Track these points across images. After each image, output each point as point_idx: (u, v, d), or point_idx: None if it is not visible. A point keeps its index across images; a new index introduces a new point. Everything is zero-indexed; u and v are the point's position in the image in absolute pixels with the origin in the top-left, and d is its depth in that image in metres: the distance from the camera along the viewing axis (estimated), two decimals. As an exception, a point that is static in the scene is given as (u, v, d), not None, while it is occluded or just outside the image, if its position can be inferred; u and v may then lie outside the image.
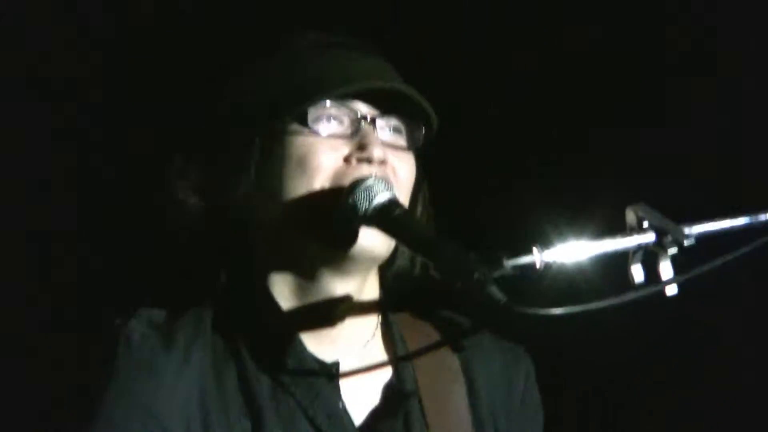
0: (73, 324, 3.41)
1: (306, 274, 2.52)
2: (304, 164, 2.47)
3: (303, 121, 2.48)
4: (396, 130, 2.54)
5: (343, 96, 2.49)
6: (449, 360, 2.64)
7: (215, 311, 2.54)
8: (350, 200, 2.43)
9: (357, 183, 2.44)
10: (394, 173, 2.51)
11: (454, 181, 3.26)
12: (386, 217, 2.40)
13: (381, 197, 2.42)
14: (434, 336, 2.65)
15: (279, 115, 2.49)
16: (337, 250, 2.47)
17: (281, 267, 2.54)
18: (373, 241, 2.47)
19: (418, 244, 2.37)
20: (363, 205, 2.42)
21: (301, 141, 2.48)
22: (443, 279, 2.29)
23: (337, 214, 2.44)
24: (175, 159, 2.59)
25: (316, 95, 2.47)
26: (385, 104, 2.52)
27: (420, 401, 2.56)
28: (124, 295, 2.57)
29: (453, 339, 2.65)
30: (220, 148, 2.55)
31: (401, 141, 2.55)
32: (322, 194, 2.46)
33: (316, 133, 2.48)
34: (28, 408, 3.46)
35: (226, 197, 2.54)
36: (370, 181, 2.44)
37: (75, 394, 2.46)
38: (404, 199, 2.51)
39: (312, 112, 2.48)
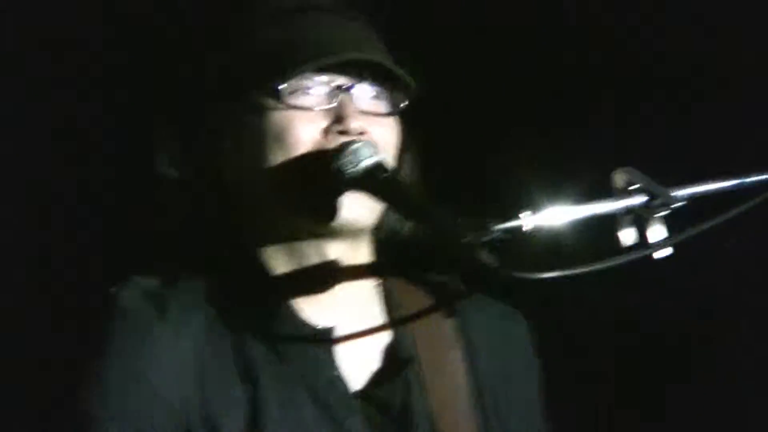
0: (67, 297, 3.43)
1: (293, 243, 2.52)
2: (281, 139, 2.45)
3: (278, 95, 2.46)
4: (375, 96, 2.52)
5: (317, 68, 2.47)
6: (446, 325, 2.63)
7: (207, 279, 2.54)
8: (336, 164, 2.42)
9: (343, 147, 2.43)
10: (374, 142, 2.47)
11: (444, 145, 3.27)
12: (373, 180, 2.40)
13: (368, 161, 2.41)
14: (430, 301, 2.65)
15: (253, 89, 2.47)
16: (320, 223, 2.47)
17: (269, 236, 2.53)
18: (357, 212, 2.46)
19: (406, 209, 2.36)
20: (349, 169, 2.41)
21: (277, 115, 2.46)
22: (432, 243, 2.30)
23: (321, 179, 2.43)
24: (154, 130, 2.59)
25: (290, 69, 2.44)
26: (362, 71, 2.50)
27: (418, 366, 2.56)
28: (116, 267, 2.56)
29: (449, 303, 2.65)
30: (197, 120, 2.55)
31: (381, 107, 2.52)
32: (302, 168, 2.45)
33: (292, 106, 2.46)
34: (27, 379, 3.49)
35: (205, 171, 2.53)
36: (356, 145, 2.42)
37: (70, 364, 2.47)
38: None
39: (287, 86, 2.46)
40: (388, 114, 2.53)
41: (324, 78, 2.48)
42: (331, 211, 2.45)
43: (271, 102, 2.47)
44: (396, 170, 2.49)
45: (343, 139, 2.45)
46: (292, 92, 2.46)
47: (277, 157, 2.46)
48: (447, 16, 3.58)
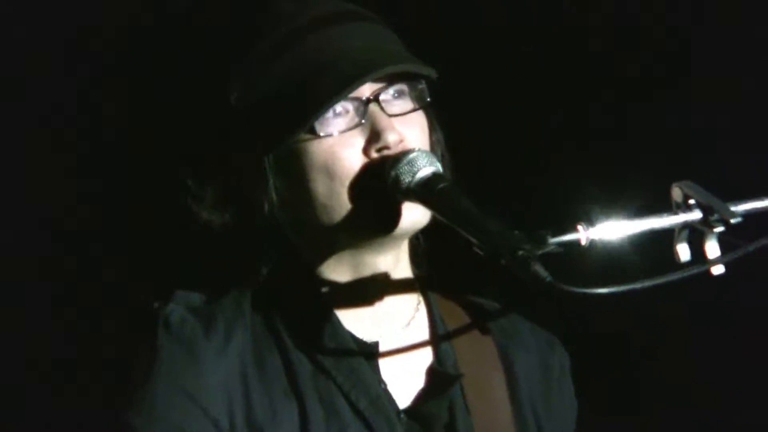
0: (116, 314, 3.43)
1: (345, 258, 2.51)
2: (328, 172, 2.43)
3: (311, 129, 2.43)
4: (400, 93, 2.49)
5: (347, 96, 2.43)
6: (487, 345, 2.62)
7: (253, 294, 2.53)
8: (393, 174, 2.40)
9: (401, 156, 2.41)
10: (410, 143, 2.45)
11: (498, 157, 3.26)
12: (430, 191, 2.37)
13: (425, 171, 2.39)
14: (469, 320, 2.64)
15: (286, 133, 2.44)
16: (381, 234, 2.45)
17: (319, 254, 2.52)
18: (416, 216, 2.44)
19: (462, 220, 2.33)
20: (406, 179, 2.39)
21: (315, 148, 2.43)
22: (486, 256, 2.26)
23: (377, 194, 2.41)
24: (185, 180, 2.55)
25: (321, 107, 2.41)
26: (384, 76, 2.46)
27: (461, 386, 2.54)
28: (160, 286, 2.55)
29: (490, 324, 2.64)
30: (232, 169, 2.52)
31: (408, 104, 2.49)
32: (356, 190, 2.43)
33: (328, 135, 2.43)
34: (73, 392, 3.49)
35: (249, 214, 2.51)
36: (413, 155, 2.41)
37: (116, 379, 2.46)
38: None
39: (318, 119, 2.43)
40: (416, 108, 2.50)
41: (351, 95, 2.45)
42: (392, 221, 2.43)
43: (305, 136, 2.44)
44: (452, 180, 2.46)
45: (386, 153, 2.43)
46: (323, 121, 2.43)
47: (327, 189, 2.44)
48: (495, 17, 3.55)
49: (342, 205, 2.43)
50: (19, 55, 3.52)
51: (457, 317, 2.63)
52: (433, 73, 2.50)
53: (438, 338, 2.58)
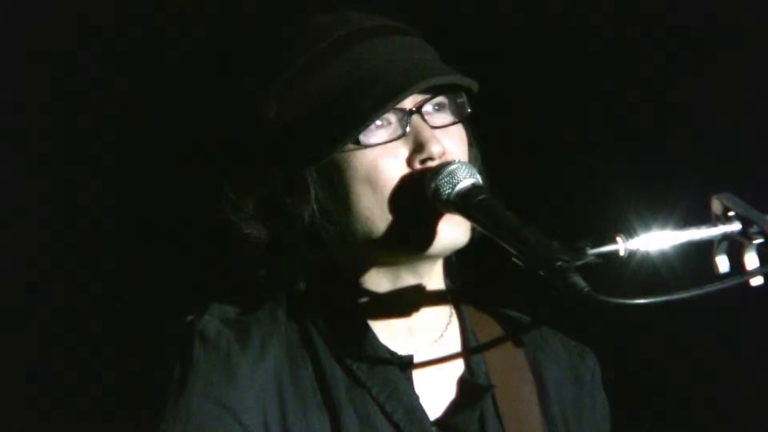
0: (150, 328, 3.45)
1: (383, 271, 2.52)
2: (371, 182, 2.44)
3: (355, 140, 2.45)
4: (441, 106, 2.50)
5: (390, 109, 2.44)
6: (518, 357, 2.63)
7: (288, 306, 2.54)
8: (433, 185, 2.41)
9: (441, 168, 2.42)
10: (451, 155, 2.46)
11: (538, 168, 3.25)
12: (470, 202, 2.38)
13: (465, 183, 2.40)
14: (500, 332, 2.64)
15: (331, 145, 2.45)
16: (420, 251, 2.46)
17: (358, 266, 2.54)
18: (453, 235, 2.45)
19: (502, 230, 2.34)
20: (446, 191, 2.40)
21: (359, 159, 2.45)
22: (525, 266, 2.27)
23: (417, 205, 2.42)
24: (224, 191, 2.56)
25: (367, 119, 2.42)
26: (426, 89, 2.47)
27: (492, 397, 2.55)
28: (195, 300, 2.57)
29: (521, 336, 2.64)
30: (274, 181, 2.52)
31: (448, 117, 2.51)
32: (398, 201, 2.44)
33: (371, 145, 2.45)
34: (108, 403, 3.52)
35: (289, 227, 2.52)
36: (453, 166, 2.42)
37: (153, 391, 2.47)
38: None
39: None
40: (456, 121, 2.51)
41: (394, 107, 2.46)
42: (430, 238, 2.44)
43: (349, 147, 2.45)
44: (492, 192, 2.46)
45: (430, 164, 2.44)
46: (367, 132, 2.45)
47: (371, 201, 2.45)
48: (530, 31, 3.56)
49: (383, 217, 2.44)
50: (19, 54, 3.55)
51: (489, 329, 2.64)
52: (475, 86, 2.52)
53: (469, 350, 2.59)
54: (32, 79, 3.55)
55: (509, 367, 2.60)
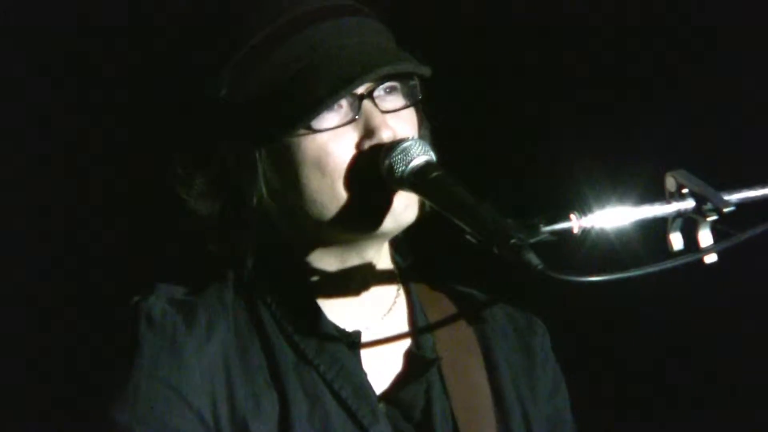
0: (94, 308, 3.42)
1: (332, 250, 2.52)
2: (320, 166, 2.42)
3: (309, 126, 2.43)
4: (392, 89, 2.49)
5: (345, 94, 2.42)
6: (466, 332, 2.63)
7: (235, 285, 2.53)
8: (387, 162, 2.40)
9: (394, 145, 2.41)
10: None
11: (491, 145, 3.24)
12: (423, 179, 2.38)
13: (419, 159, 2.39)
14: (451, 308, 2.65)
15: (280, 128, 2.43)
16: (370, 230, 2.45)
17: (307, 245, 2.53)
18: (404, 214, 2.45)
19: (456, 208, 2.33)
20: (400, 168, 2.39)
21: (309, 143, 2.43)
22: (479, 244, 2.27)
23: (369, 184, 2.41)
24: (174, 165, 2.54)
25: (318, 106, 2.40)
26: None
27: (440, 370, 2.56)
28: (139, 277, 2.54)
29: (469, 311, 2.65)
30: (222, 159, 2.50)
31: (400, 100, 2.50)
32: (348, 183, 2.43)
33: (320, 130, 2.43)
34: (53, 387, 3.48)
35: (238, 205, 2.50)
36: (407, 144, 2.41)
37: (97, 372, 2.45)
38: None
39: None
40: (408, 105, 2.50)
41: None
42: (381, 216, 2.43)
43: (299, 131, 2.43)
44: (445, 169, 2.45)
45: (378, 148, 2.42)
46: (318, 117, 2.43)
47: (320, 184, 2.43)
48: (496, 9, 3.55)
49: (333, 199, 2.43)
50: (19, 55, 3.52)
51: (438, 305, 2.65)
52: (427, 72, 2.50)
53: (417, 325, 2.59)
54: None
55: (457, 341, 2.61)
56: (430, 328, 2.60)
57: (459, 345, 2.60)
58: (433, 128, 2.58)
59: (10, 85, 3.50)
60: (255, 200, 2.48)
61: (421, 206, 2.47)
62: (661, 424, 3.61)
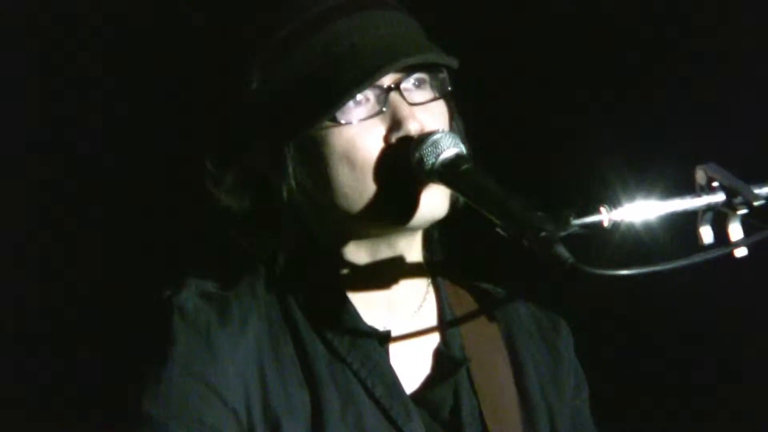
0: (126, 304, 3.43)
1: (362, 244, 2.51)
2: (349, 159, 2.42)
3: (332, 118, 2.42)
4: (421, 81, 2.48)
5: (370, 85, 2.42)
6: (491, 330, 2.63)
7: (267, 280, 2.53)
8: (417, 155, 2.39)
9: (424, 137, 2.40)
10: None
11: (522, 138, 3.24)
12: (453, 172, 2.37)
13: (449, 152, 2.38)
14: (475, 306, 2.64)
15: (308, 122, 2.43)
16: (401, 223, 2.45)
17: (337, 240, 2.52)
18: (435, 207, 2.44)
19: (486, 201, 2.32)
20: (430, 160, 2.38)
21: (336, 137, 2.43)
22: (509, 237, 2.26)
23: (399, 177, 2.40)
24: (206, 164, 2.55)
25: (343, 97, 2.40)
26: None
27: (467, 370, 2.55)
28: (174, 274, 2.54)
29: (493, 309, 2.65)
30: (252, 155, 2.51)
31: (428, 93, 2.49)
32: (378, 176, 2.43)
33: (348, 123, 2.43)
34: (91, 381, 3.49)
35: (268, 200, 2.50)
36: (437, 136, 2.40)
37: (132, 366, 2.45)
38: None
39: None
40: (437, 97, 2.50)
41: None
42: (411, 209, 2.43)
43: (326, 124, 2.43)
44: (476, 161, 2.44)
45: (406, 141, 2.41)
46: (344, 110, 2.43)
47: (349, 178, 2.43)
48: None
49: (362, 193, 2.43)
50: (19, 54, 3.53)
51: (465, 303, 2.64)
52: (454, 63, 2.49)
53: (445, 324, 2.59)
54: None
55: (483, 340, 2.60)
56: (458, 326, 2.59)
57: (485, 343, 2.60)
58: (465, 123, 2.57)
59: (10, 84, 3.52)
60: (285, 195, 2.48)
61: (453, 201, 2.47)
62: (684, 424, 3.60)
